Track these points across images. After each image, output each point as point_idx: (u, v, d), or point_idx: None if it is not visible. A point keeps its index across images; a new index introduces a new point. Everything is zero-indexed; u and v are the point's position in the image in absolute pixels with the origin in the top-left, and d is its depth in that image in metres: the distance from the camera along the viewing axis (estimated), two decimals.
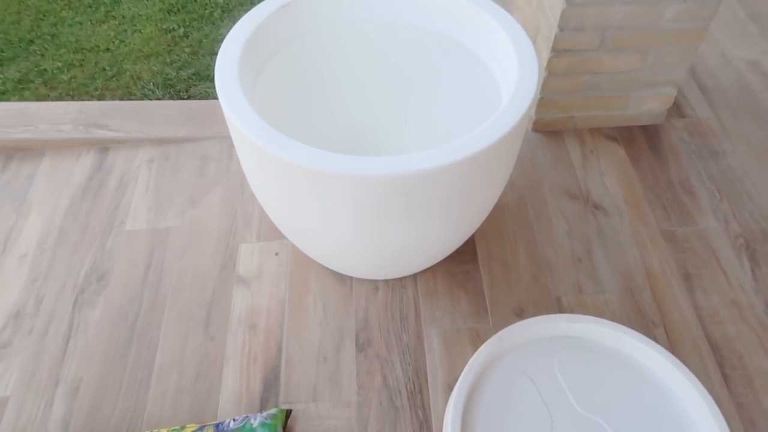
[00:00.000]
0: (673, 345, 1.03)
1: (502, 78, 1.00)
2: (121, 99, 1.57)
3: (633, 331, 0.99)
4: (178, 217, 1.24)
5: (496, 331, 1.02)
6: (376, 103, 1.23)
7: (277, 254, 1.16)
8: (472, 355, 0.98)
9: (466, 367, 0.95)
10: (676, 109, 1.43)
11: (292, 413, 0.94)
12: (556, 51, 1.25)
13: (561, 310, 1.07)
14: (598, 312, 1.07)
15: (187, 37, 1.80)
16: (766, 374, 0.99)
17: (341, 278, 1.12)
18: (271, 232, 1.19)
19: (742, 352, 1.02)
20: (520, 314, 1.06)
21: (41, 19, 1.90)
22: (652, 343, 0.98)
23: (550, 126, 1.40)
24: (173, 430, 0.87)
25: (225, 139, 1.37)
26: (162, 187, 1.29)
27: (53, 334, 1.07)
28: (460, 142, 0.81)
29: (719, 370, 1.00)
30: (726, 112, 1.43)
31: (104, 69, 1.69)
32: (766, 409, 0.95)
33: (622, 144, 1.37)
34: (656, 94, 1.36)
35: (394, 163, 0.78)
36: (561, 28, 1.21)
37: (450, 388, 0.97)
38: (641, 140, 1.38)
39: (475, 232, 1.19)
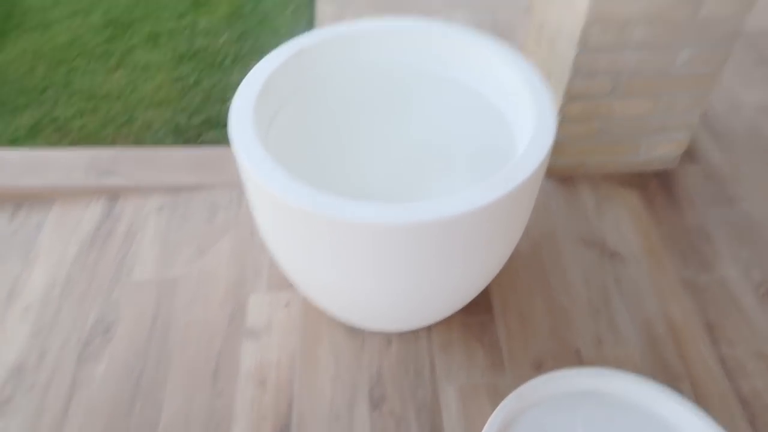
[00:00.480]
0: (699, 400, 0.98)
1: (517, 124, 0.99)
2: (132, 146, 1.57)
3: (659, 386, 0.96)
4: (186, 266, 1.21)
5: (514, 386, 0.99)
6: (391, 150, 1.22)
7: (287, 306, 1.13)
8: (490, 412, 0.95)
9: (486, 425, 0.91)
10: (689, 154, 1.42)
11: None
12: (569, 96, 1.24)
13: (581, 363, 1.03)
14: (620, 365, 1.03)
15: (199, 84, 1.81)
16: None
17: (353, 331, 1.09)
18: (282, 283, 1.17)
19: None
20: (539, 368, 1.02)
21: (55, 67, 1.92)
22: (680, 398, 0.94)
23: (562, 172, 1.38)
24: None
25: (235, 186, 1.36)
26: (170, 235, 1.27)
27: (55, 390, 1.03)
28: (483, 186, 0.79)
29: (751, 428, 0.95)
30: (739, 158, 1.41)
31: (116, 116, 1.70)
32: None
33: (635, 190, 1.35)
34: (668, 139, 1.34)
35: (415, 211, 0.76)
36: (574, 74, 1.20)
37: None
38: (655, 186, 1.36)
39: (490, 283, 1.16)
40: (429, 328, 1.08)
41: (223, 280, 1.19)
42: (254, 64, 0.99)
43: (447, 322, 1.09)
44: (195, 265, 1.22)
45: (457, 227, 0.79)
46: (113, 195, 1.36)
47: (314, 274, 0.91)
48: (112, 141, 1.60)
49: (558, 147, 1.32)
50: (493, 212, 0.81)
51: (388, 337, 1.08)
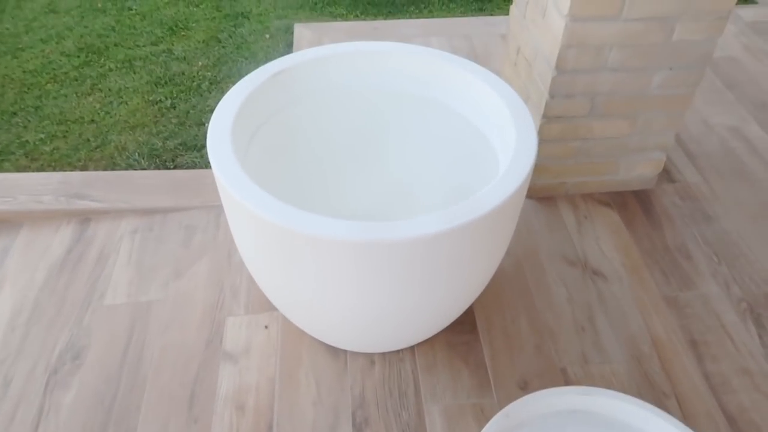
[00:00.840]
0: (687, 417, 0.97)
1: (498, 143, 0.99)
2: (105, 170, 1.54)
3: (646, 404, 0.94)
4: (161, 290, 1.17)
5: (500, 406, 0.97)
6: (372, 169, 1.21)
7: (266, 327, 1.10)
8: None
9: None
10: (666, 174, 1.44)
11: None
12: (547, 117, 1.25)
13: (567, 381, 1.02)
14: (606, 383, 1.02)
15: (174, 108, 1.79)
16: None
17: (335, 352, 1.06)
18: (261, 304, 1.13)
19: (759, 424, 0.97)
20: (525, 387, 1.01)
21: (25, 92, 1.89)
22: (668, 416, 0.93)
23: (542, 192, 1.39)
24: None
25: (212, 208, 1.33)
26: (145, 258, 1.23)
27: (20, 421, 0.98)
28: (466, 204, 0.78)
29: None
30: (714, 177, 1.44)
31: (88, 140, 1.67)
32: None
33: (615, 209, 1.36)
34: (646, 159, 1.36)
35: (395, 229, 0.75)
36: (551, 96, 1.22)
37: None
38: (634, 205, 1.37)
39: (474, 301, 1.14)
40: (413, 348, 1.06)
41: (200, 303, 1.15)
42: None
43: (431, 342, 1.07)
44: (171, 288, 1.18)
45: (438, 245, 0.78)
46: (84, 218, 1.32)
47: (295, 294, 0.88)
48: (84, 165, 1.56)
49: (538, 167, 1.33)
50: (474, 231, 0.81)
51: (371, 358, 1.05)
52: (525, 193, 0.91)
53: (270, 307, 1.12)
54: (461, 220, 0.77)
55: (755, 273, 1.22)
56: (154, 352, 1.07)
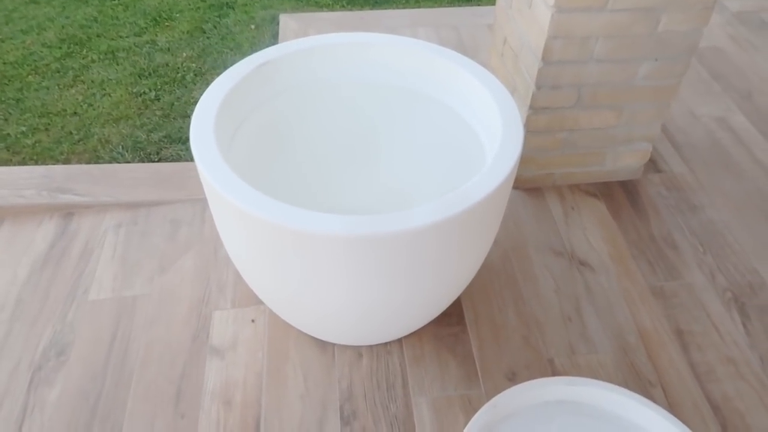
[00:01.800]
0: (672, 406, 0.98)
1: (485, 134, 0.99)
2: (89, 163, 1.52)
3: (633, 394, 0.95)
4: (146, 284, 1.16)
5: (488, 398, 0.97)
6: (356, 162, 1.21)
7: (253, 321, 1.09)
8: (465, 424, 0.92)
9: None
10: (652, 164, 1.44)
11: None
12: (534, 109, 1.25)
13: (554, 372, 1.02)
14: (593, 373, 1.02)
15: (159, 100, 1.77)
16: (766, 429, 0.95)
17: (322, 345, 1.05)
18: (247, 298, 1.13)
19: (743, 411, 0.98)
20: (513, 378, 1.01)
21: (6, 84, 1.86)
22: (654, 405, 0.93)
23: (529, 183, 1.39)
24: None
25: (197, 201, 1.31)
26: (130, 253, 1.22)
27: (4, 418, 0.96)
28: (452, 197, 0.78)
29: (722, 430, 0.95)
30: (700, 167, 1.45)
31: (71, 133, 1.64)
32: None
33: (602, 200, 1.37)
34: (632, 149, 1.36)
35: (384, 222, 0.74)
36: (538, 87, 1.21)
37: None
38: (620, 195, 1.38)
39: (462, 293, 1.14)
40: (400, 341, 1.06)
41: (186, 298, 1.14)
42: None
43: (418, 334, 1.07)
44: (156, 282, 1.17)
45: (425, 238, 0.78)
46: (68, 213, 1.30)
47: (281, 288, 0.87)
48: (66, 158, 1.54)
49: (525, 158, 1.33)
50: (461, 223, 0.80)
51: (358, 351, 1.05)
52: (511, 184, 0.91)
53: (257, 301, 1.11)
54: (447, 213, 0.77)
55: (740, 263, 1.23)
56: (140, 347, 1.06)
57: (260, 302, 1.10)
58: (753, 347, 1.07)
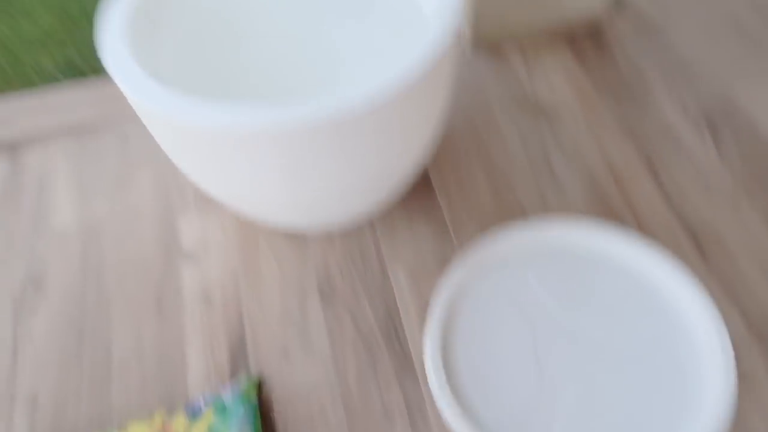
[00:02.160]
0: (646, 234, 0.99)
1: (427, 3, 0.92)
2: (25, 92, 1.45)
3: (603, 226, 0.95)
4: (108, 205, 1.14)
5: (463, 255, 0.97)
6: (292, 45, 1.14)
7: (221, 224, 1.08)
8: (441, 283, 0.93)
9: (437, 295, 0.90)
10: (617, 4, 1.37)
11: (266, 378, 0.88)
12: None
13: (526, 221, 1.02)
14: (565, 215, 1.02)
15: (87, 17, 1.66)
16: (742, 243, 0.96)
17: (293, 237, 1.05)
18: (211, 202, 1.11)
19: (716, 228, 0.99)
20: (486, 233, 1.01)
21: None
22: (623, 233, 0.94)
23: (487, 39, 1.32)
24: (142, 420, 0.80)
25: None
26: (85, 177, 1.19)
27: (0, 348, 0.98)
28: (394, 71, 0.73)
29: (696, 250, 0.96)
30: (668, 3, 1.38)
31: (1, 66, 1.56)
32: (745, 274, 0.93)
33: (566, 47, 1.31)
34: None
35: (322, 108, 0.70)
36: None
37: (425, 320, 0.91)
38: (585, 40, 1.32)
39: (428, 162, 1.12)
40: (371, 221, 1.05)
41: (150, 211, 1.12)
42: None
43: (389, 212, 1.06)
44: (117, 201, 1.14)
45: (369, 121, 0.73)
46: (11, 148, 1.25)
47: (230, 191, 0.85)
48: (0, 91, 1.47)
49: (480, 15, 1.26)
50: (407, 98, 0.76)
51: (330, 237, 1.04)
52: (458, 46, 0.86)
53: (221, 204, 1.09)
54: (391, 90, 0.72)
55: (710, 89, 1.20)
56: (113, 266, 1.06)
57: (224, 205, 1.08)
58: (725, 166, 1.07)
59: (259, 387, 0.85)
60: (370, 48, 1.11)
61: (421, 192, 1.09)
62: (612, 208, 1.03)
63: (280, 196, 0.86)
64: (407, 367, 0.87)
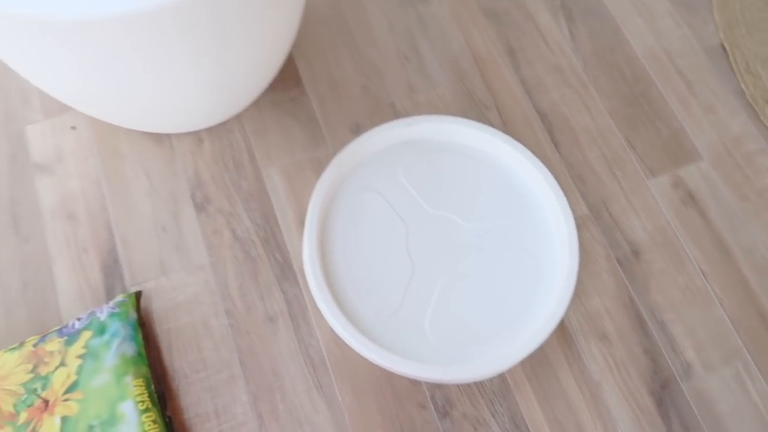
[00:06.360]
0: (506, 124, 1.04)
1: None
2: None
3: (466, 120, 0.99)
4: None
5: (335, 155, 0.98)
6: None
7: (74, 128, 1.00)
8: (316, 186, 0.95)
9: (312, 198, 0.92)
10: None
11: (144, 293, 0.88)
12: None
13: (396, 115, 1.04)
14: (433, 108, 1.05)
15: None
16: (588, 130, 1.05)
17: (158, 138, 0.99)
18: (59, 105, 1.01)
19: (567, 115, 1.06)
20: (357, 131, 1.02)
21: None
22: (485, 127, 0.99)
23: None
24: (12, 348, 0.78)
25: None
26: None
27: None
28: None
29: (549, 136, 1.04)
30: None
31: None
32: (591, 161, 1.02)
33: None
34: None
35: None
36: None
37: (302, 223, 0.94)
38: None
39: (294, 53, 1.08)
40: (239, 117, 1.01)
41: None
42: None
43: (257, 106, 1.02)
44: None
45: (201, 8, 0.67)
46: None
47: (68, 93, 0.77)
48: None
49: None
50: None
51: (198, 136, 1.00)
52: None
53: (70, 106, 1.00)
54: None
55: None
56: None
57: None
58: (577, 52, 1.12)
59: (137, 302, 0.85)
60: None
61: (288, 81, 1.06)
62: (477, 100, 1.06)
63: (134, 95, 0.79)
64: (287, 271, 0.91)
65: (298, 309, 0.89)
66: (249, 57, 0.81)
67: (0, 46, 0.73)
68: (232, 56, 0.77)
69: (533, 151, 1.02)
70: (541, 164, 0.95)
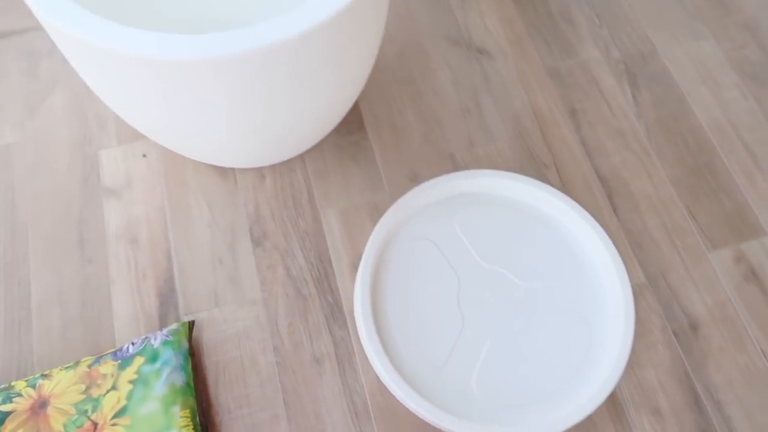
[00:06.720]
0: (565, 184, 1.04)
1: None
2: None
3: (525, 177, 0.99)
4: (17, 130, 1.06)
5: (393, 201, 1.00)
6: None
7: (144, 156, 1.04)
8: (372, 230, 0.96)
9: (368, 243, 0.92)
10: None
11: (196, 323, 0.89)
12: None
13: (455, 167, 1.05)
14: (492, 163, 1.06)
15: None
16: (649, 197, 1.03)
17: (222, 171, 1.02)
18: (133, 132, 1.05)
19: (627, 180, 1.05)
20: (416, 179, 1.03)
21: None
22: (544, 185, 0.99)
23: None
24: (67, 367, 0.80)
25: None
26: None
27: None
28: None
29: (608, 200, 1.03)
30: None
31: None
32: (650, 229, 1.01)
33: None
34: None
35: (252, 37, 0.66)
36: None
37: (355, 267, 0.94)
38: None
39: (359, 98, 1.11)
40: (302, 157, 1.04)
41: (65, 140, 1.05)
42: None
43: (319, 148, 1.05)
44: (28, 127, 1.06)
45: (303, 47, 0.70)
46: None
47: (155, 125, 0.81)
48: None
49: None
50: (340, 25, 0.73)
51: (260, 172, 1.03)
52: None
53: (144, 134, 1.04)
54: (323, 17, 0.69)
55: (633, 31, 1.22)
56: (28, 199, 1.00)
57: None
58: (640, 117, 1.12)
59: (190, 331, 0.86)
60: None
61: (351, 126, 1.08)
62: (536, 158, 1.07)
63: (209, 132, 0.83)
64: (337, 313, 0.91)
65: (345, 353, 0.89)
66: (323, 103, 0.84)
67: (91, 75, 0.77)
68: (308, 102, 0.80)
69: (591, 214, 1.01)
70: (599, 227, 0.94)
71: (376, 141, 1.07)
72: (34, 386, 0.78)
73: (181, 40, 0.65)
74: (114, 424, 0.75)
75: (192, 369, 0.83)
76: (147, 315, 0.90)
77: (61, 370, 0.79)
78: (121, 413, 0.75)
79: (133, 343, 0.82)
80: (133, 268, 0.94)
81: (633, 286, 0.96)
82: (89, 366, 0.79)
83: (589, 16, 1.24)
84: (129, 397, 0.76)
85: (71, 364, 0.81)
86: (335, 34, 0.72)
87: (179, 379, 0.79)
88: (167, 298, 0.92)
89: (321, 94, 0.81)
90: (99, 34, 0.65)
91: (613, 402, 0.87)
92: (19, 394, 0.77)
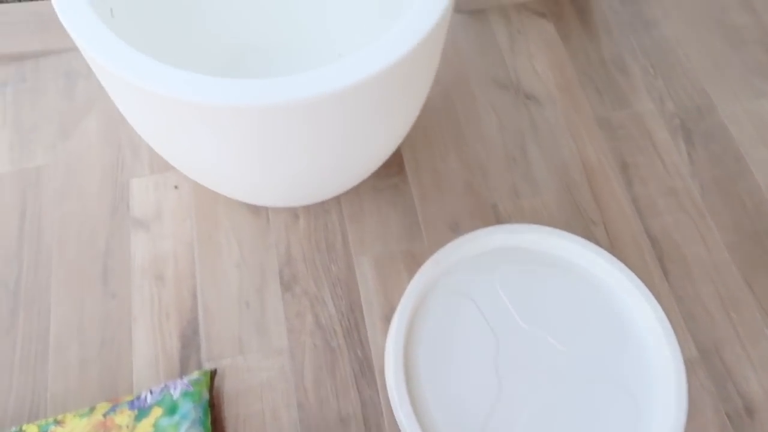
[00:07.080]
0: (613, 243, 0.98)
1: None
2: None
3: (571, 235, 0.94)
4: (49, 153, 1.04)
5: (431, 251, 0.94)
6: (262, 15, 1.03)
7: (176, 187, 1.00)
8: (407, 281, 0.91)
9: (404, 296, 0.87)
10: None
11: (219, 371, 0.85)
12: None
13: (498, 218, 1.00)
14: (536, 216, 1.00)
15: None
16: (703, 263, 0.97)
17: (255, 209, 0.98)
18: (165, 162, 1.02)
19: (680, 242, 0.99)
20: (456, 229, 0.98)
21: None
22: (591, 245, 0.93)
23: (471, 4, 1.24)
24: (81, 414, 0.75)
25: None
26: (23, 117, 1.07)
27: None
28: (383, 43, 0.65)
29: (659, 264, 0.97)
30: None
31: None
32: (703, 297, 0.94)
33: (550, 19, 1.24)
34: None
35: (304, 85, 0.62)
36: None
37: (388, 319, 0.89)
38: (571, 13, 1.25)
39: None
40: (338, 198, 1.00)
41: (98, 165, 1.03)
42: None
43: (356, 190, 1.01)
44: (59, 149, 1.04)
45: (355, 97, 0.66)
46: None
47: (195, 164, 0.77)
48: None
49: None
50: (395, 74, 0.69)
51: (294, 212, 0.99)
52: (449, 17, 0.79)
53: None
54: (380, 65, 0.65)
55: (689, 83, 1.17)
56: (54, 224, 0.97)
57: None
58: (695, 176, 1.06)
59: (212, 381, 0.81)
60: (361, 25, 1.01)
61: (391, 169, 1.04)
62: (583, 213, 1.01)
63: (246, 174, 0.79)
64: (366, 369, 0.86)
65: (373, 414, 0.83)
66: (369, 151, 0.80)
67: (128, 109, 0.74)
68: (353, 150, 0.76)
69: (640, 278, 0.95)
70: (649, 293, 0.88)
71: (416, 185, 1.02)
72: None
73: (224, 85, 0.61)
74: None
75: (211, 423, 0.78)
76: (168, 357, 0.86)
77: (75, 416, 0.75)
78: None
79: (151, 392, 0.78)
80: (156, 306, 0.90)
81: (684, 360, 0.89)
82: (104, 414, 0.75)
83: (643, 65, 1.19)
84: None
85: (86, 410, 0.76)
86: (390, 82, 0.68)
87: None
88: (190, 340, 0.87)
89: (367, 143, 0.76)
90: (147, 77, 0.62)
91: None
92: None
